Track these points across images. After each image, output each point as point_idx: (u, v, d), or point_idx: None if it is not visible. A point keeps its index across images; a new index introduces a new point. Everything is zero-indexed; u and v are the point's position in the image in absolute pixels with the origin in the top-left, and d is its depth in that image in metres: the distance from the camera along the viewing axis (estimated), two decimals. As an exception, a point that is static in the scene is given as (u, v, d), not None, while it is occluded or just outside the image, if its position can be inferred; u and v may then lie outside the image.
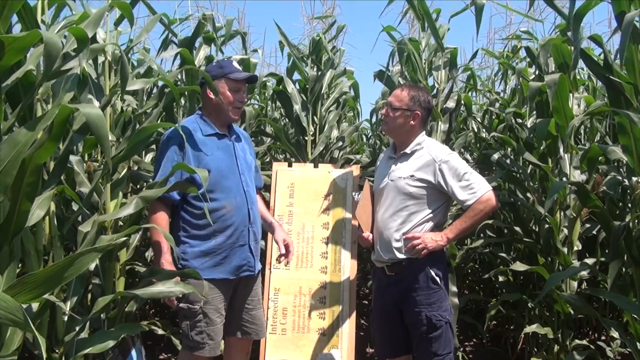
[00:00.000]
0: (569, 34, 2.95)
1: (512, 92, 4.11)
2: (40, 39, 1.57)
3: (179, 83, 3.41)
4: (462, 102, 3.66)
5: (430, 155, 2.36)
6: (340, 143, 4.40)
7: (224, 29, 3.96)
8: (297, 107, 3.90)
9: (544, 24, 3.77)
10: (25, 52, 1.68)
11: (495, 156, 3.40)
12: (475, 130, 4.35)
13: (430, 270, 2.32)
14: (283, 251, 2.49)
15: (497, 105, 4.23)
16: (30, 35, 1.57)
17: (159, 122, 3.17)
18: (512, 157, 3.54)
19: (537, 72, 3.33)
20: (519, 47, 4.14)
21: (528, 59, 3.76)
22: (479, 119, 4.50)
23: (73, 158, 2.47)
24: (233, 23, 4.04)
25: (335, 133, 4.32)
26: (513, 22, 4.22)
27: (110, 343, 2.02)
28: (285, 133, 4.11)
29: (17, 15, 1.89)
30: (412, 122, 2.40)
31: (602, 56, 2.87)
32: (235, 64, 2.42)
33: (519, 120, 3.57)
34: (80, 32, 1.79)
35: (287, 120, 4.39)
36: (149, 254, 3.44)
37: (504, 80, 4.49)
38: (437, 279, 2.32)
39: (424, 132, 2.48)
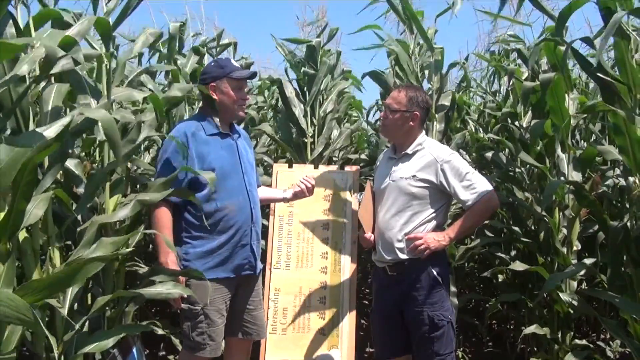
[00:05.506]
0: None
1: (506, 92, 4.13)
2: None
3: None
4: (457, 101, 3.67)
5: (432, 155, 2.36)
6: (340, 143, 4.40)
7: (217, 39, 4.04)
8: (295, 110, 3.91)
9: (534, 27, 3.72)
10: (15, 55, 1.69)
11: (490, 155, 3.42)
12: (473, 130, 4.36)
13: (433, 270, 2.32)
14: (302, 186, 2.60)
15: (490, 105, 4.24)
16: (22, 44, 1.59)
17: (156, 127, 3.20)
18: (509, 157, 3.54)
19: (529, 73, 3.35)
20: (508, 50, 4.18)
21: (519, 61, 3.80)
22: (474, 120, 4.51)
23: (71, 161, 2.48)
24: (223, 33, 4.11)
25: (334, 133, 4.33)
26: (501, 27, 4.25)
27: (110, 342, 2.02)
28: (284, 134, 4.13)
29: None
30: (411, 123, 2.40)
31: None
32: (234, 62, 2.43)
33: (515, 121, 3.57)
34: (68, 39, 1.82)
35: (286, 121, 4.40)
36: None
37: (498, 81, 4.51)
38: (439, 278, 2.32)
39: (423, 132, 2.49)
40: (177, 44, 3.57)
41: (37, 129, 1.68)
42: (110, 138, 1.81)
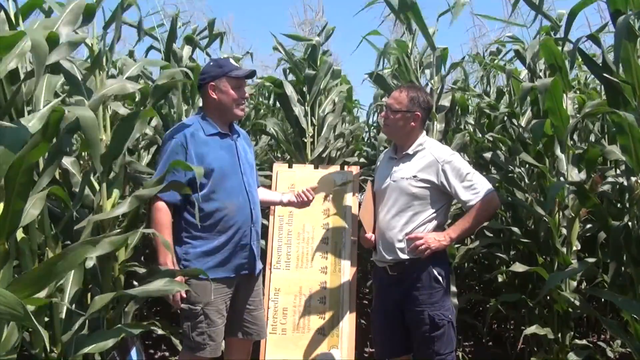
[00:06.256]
0: (553, 34, 2.98)
1: (498, 92, 4.13)
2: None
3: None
4: (457, 102, 3.66)
5: (433, 155, 2.36)
6: (339, 144, 4.40)
7: (208, 29, 4.02)
8: (295, 109, 3.91)
9: (529, 28, 3.68)
10: (8, 52, 1.67)
11: (490, 155, 3.41)
12: (471, 130, 4.36)
13: (433, 270, 2.32)
14: (303, 197, 2.58)
15: (485, 105, 4.24)
16: (15, 35, 1.57)
17: (150, 123, 3.20)
18: (507, 156, 3.54)
19: (528, 74, 3.35)
20: (503, 50, 4.19)
21: (515, 61, 3.81)
22: (472, 121, 4.51)
23: (68, 159, 2.47)
24: (214, 23, 4.09)
25: (333, 134, 4.33)
26: (493, 29, 4.30)
27: (110, 343, 2.00)
28: (284, 134, 4.12)
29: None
30: (412, 123, 2.40)
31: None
32: (232, 61, 2.43)
33: (514, 120, 3.57)
34: (51, 35, 1.81)
35: (286, 121, 4.40)
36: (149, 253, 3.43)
37: (488, 82, 4.51)
38: (440, 278, 2.32)
39: (424, 133, 2.49)
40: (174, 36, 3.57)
41: (21, 120, 1.65)
42: (88, 137, 1.81)
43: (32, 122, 1.64)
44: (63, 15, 2.04)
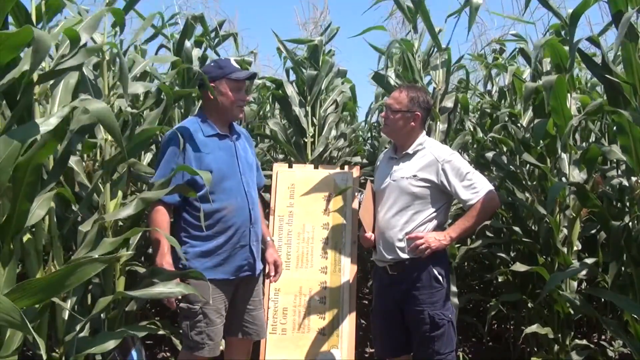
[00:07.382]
0: (563, 33, 2.97)
1: (500, 92, 4.13)
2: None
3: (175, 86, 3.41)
4: (459, 102, 3.66)
5: (433, 155, 2.36)
6: (340, 143, 4.40)
7: (215, 31, 4.01)
8: (296, 109, 3.91)
9: (536, 26, 3.67)
10: (19, 50, 1.66)
11: (491, 155, 3.41)
12: (472, 130, 4.35)
13: (433, 269, 2.32)
14: (272, 272, 2.52)
15: (486, 105, 4.24)
16: (22, 32, 1.55)
17: (157, 124, 3.20)
18: (509, 156, 3.54)
19: (532, 73, 3.34)
20: (508, 49, 4.21)
21: (515, 60, 3.81)
22: (473, 120, 4.51)
23: (72, 158, 2.47)
24: (224, 24, 4.08)
25: (334, 134, 4.33)
26: (493, 27, 4.30)
27: (112, 343, 2.01)
28: (284, 134, 4.12)
29: (12, 16, 1.89)
30: (412, 123, 2.40)
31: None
32: (233, 62, 2.42)
33: (514, 120, 3.57)
34: (72, 33, 1.81)
35: (286, 121, 4.40)
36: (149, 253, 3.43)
37: (491, 81, 4.52)
38: (440, 277, 2.33)
39: (424, 132, 2.49)
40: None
41: (37, 121, 1.66)
42: (110, 130, 1.80)
43: (49, 122, 1.63)
44: (85, 20, 2.04)
